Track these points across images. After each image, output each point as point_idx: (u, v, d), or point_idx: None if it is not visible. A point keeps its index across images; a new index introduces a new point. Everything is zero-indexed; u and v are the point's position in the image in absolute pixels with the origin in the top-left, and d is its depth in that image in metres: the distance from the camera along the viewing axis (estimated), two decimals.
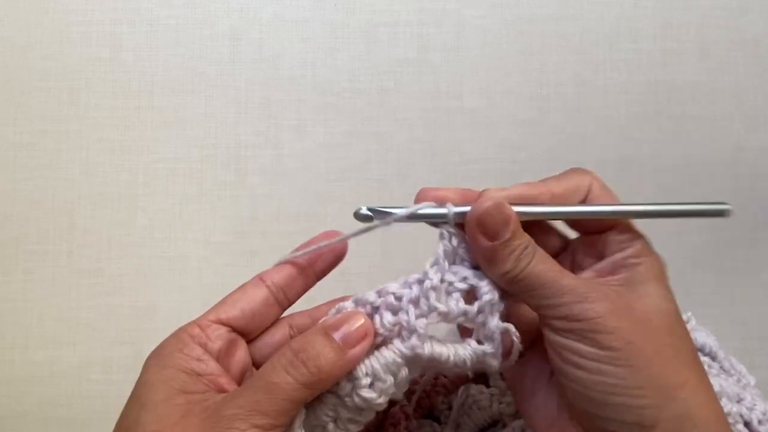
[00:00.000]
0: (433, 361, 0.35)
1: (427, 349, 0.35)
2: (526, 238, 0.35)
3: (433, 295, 0.35)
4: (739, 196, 0.74)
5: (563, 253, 0.39)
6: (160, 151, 0.71)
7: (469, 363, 0.36)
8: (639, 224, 0.39)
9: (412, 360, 0.35)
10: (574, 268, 0.38)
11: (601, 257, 0.37)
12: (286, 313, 0.40)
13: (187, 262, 0.70)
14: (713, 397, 0.34)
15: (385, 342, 0.35)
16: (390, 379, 0.35)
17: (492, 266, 0.35)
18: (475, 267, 0.36)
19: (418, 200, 0.37)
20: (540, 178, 0.40)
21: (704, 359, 0.47)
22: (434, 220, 0.36)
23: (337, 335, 0.34)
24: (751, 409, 0.43)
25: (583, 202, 0.38)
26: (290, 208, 0.72)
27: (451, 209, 0.36)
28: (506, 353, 0.36)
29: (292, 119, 0.72)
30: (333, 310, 0.36)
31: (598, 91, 0.74)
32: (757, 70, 0.75)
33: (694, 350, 0.35)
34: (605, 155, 0.73)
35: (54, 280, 0.69)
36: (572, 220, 0.39)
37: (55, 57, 0.71)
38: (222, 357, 0.36)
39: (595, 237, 0.38)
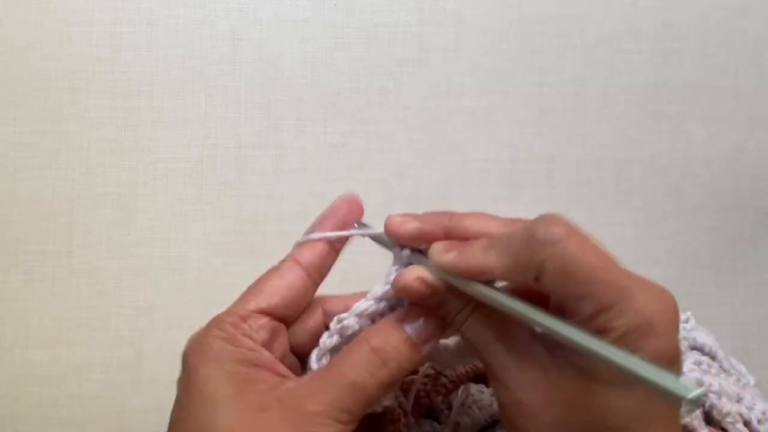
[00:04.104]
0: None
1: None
2: (458, 303, 0.34)
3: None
4: (739, 196, 0.74)
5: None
6: (160, 151, 0.71)
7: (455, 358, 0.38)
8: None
9: None
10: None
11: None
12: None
13: (187, 262, 0.70)
14: None
15: None
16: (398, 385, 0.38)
17: None
18: None
19: (386, 229, 0.38)
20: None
21: (704, 359, 0.47)
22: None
23: (410, 330, 0.34)
24: (750, 409, 0.43)
25: (540, 276, 0.31)
26: (290, 208, 0.72)
27: (405, 255, 0.37)
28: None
29: (292, 119, 0.72)
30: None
31: (598, 91, 0.74)
32: (757, 70, 0.75)
33: None
34: (605, 155, 0.73)
35: (54, 280, 0.69)
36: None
37: (55, 57, 0.71)
38: (266, 346, 0.36)
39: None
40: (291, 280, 0.37)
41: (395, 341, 0.33)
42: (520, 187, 0.73)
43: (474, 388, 0.44)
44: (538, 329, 0.32)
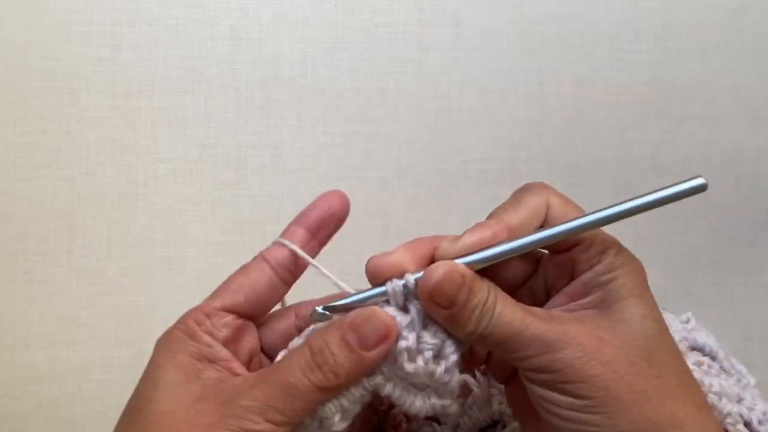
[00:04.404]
0: (390, 399, 0.35)
1: (388, 389, 0.34)
2: (484, 292, 0.33)
3: (405, 356, 0.33)
4: (739, 196, 0.74)
5: (534, 276, 0.37)
6: (160, 151, 0.71)
7: (422, 414, 0.35)
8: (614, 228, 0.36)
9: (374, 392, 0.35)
10: (548, 289, 0.36)
11: (571, 277, 0.35)
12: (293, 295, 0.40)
13: (187, 262, 0.70)
14: (705, 421, 0.32)
15: None
16: (358, 407, 0.35)
17: (454, 330, 0.33)
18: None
19: (370, 274, 0.35)
20: (509, 195, 0.36)
21: (704, 359, 0.47)
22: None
23: (354, 336, 0.33)
24: (751, 410, 0.43)
25: (543, 225, 0.35)
26: (290, 208, 0.71)
27: (410, 281, 0.33)
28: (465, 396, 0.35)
29: (292, 119, 0.72)
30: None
31: (598, 91, 0.74)
32: (757, 70, 0.75)
33: (683, 372, 0.33)
34: (605, 155, 0.73)
35: (54, 280, 0.69)
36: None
37: (55, 57, 0.71)
38: (229, 343, 0.36)
39: (563, 255, 0.35)
40: (256, 278, 0.38)
41: (333, 345, 0.33)
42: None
43: None
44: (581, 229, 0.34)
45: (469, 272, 0.33)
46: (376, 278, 0.34)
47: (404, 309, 0.34)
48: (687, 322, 0.51)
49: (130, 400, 0.35)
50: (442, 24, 0.74)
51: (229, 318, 0.36)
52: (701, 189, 0.36)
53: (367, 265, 0.35)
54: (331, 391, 0.33)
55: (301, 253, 0.37)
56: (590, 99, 0.74)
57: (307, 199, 0.75)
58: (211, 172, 0.71)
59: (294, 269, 0.38)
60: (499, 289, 0.34)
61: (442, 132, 0.73)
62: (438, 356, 0.34)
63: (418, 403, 0.35)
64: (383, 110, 0.73)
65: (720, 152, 0.74)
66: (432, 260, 0.34)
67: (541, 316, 0.33)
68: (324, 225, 0.39)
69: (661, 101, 0.74)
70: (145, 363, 0.35)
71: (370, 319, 0.33)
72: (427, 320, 0.34)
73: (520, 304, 0.34)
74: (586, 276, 0.34)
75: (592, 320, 0.33)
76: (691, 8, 0.75)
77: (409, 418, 0.41)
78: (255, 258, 0.39)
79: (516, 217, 0.34)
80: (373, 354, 0.33)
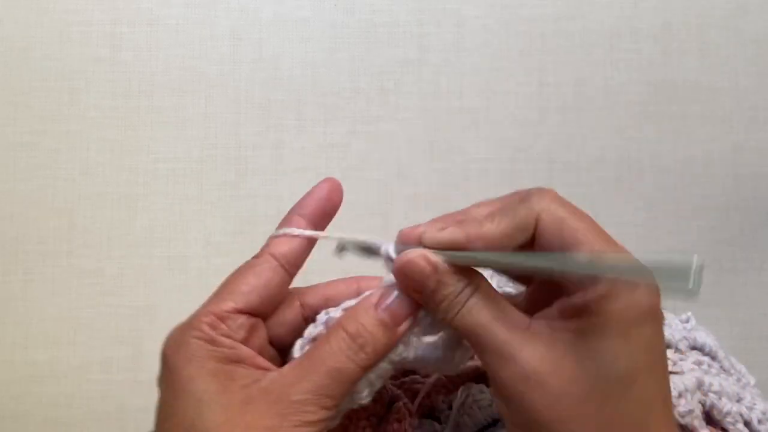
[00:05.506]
0: (412, 366, 0.37)
1: (410, 354, 0.36)
2: (457, 286, 0.33)
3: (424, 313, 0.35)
4: (739, 196, 0.74)
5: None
6: (160, 151, 0.71)
7: (443, 365, 0.37)
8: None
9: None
10: (548, 296, 0.35)
11: (564, 292, 0.33)
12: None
13: (187, 262, 0.70)
14: None
15: None
16: (381, 382, 0.36)
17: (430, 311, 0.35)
18: None
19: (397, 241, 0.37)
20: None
21: (704, 359, 0.47)
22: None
23: (385, 313, 0.35)
24: (750, 409, 0.43)
25: (527, 243, 0.33)
26: (290, 208, 0.72)
27: (389, 251, 0.36)
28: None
29: (292, 119, 0.72)
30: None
31: (598, 91, 0.74)
32: (757, 70, 0.75)
33: (641, 424, 0.32)
34: (605, 155, 0.73)
35: (54, 280, 0.69)
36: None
37: (55, 57, 0.71)
38: (245, 343, 0.36)
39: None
40: (268, 277, 0.37)
41: (370, 325, 0.34)
42: (520, 187, 0.73)
43: (475, 388, 0.43)
44: (555, 270, 0.33)
45: (441, 265, 0.33)
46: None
47: None
48: (687, 321, 0.51)
49: (168, 420, 0.34)
50: (442, 24, 0.74)
51: (243, 319, 0.36)
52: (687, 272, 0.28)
53: (397, 235, 0.36)
54: (371, 368, 0.35)
55: (310, 233, 0.38)
56: (590, 99, 0.74)
57: None
58: (211, 172, 0.71)
59: (298, 261, 0.39)
60: (484, 286, 0.34)
61: (442, 132, 0.73)
62: None
63: (437, 353, 0.36)
64: (383, 110, 0.73)
65: (720, 152, 0.74)
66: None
67: (513, 324, 0.33)
68: (324, 214, 0.40)
69: (661, 101, 0.74)
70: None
71: (400, 297, 0.35)
72: None
73: (502, 306, 0.33)
74: (577, 297, 0.32)
75: (564, 346, 0.32)
76: (691, 8, 0.75)
77: (411, 412, 0.41)
78: (262, 255, 0.38)
79: (497, 227, 0.33)
80: (403, 328, 0.35)
